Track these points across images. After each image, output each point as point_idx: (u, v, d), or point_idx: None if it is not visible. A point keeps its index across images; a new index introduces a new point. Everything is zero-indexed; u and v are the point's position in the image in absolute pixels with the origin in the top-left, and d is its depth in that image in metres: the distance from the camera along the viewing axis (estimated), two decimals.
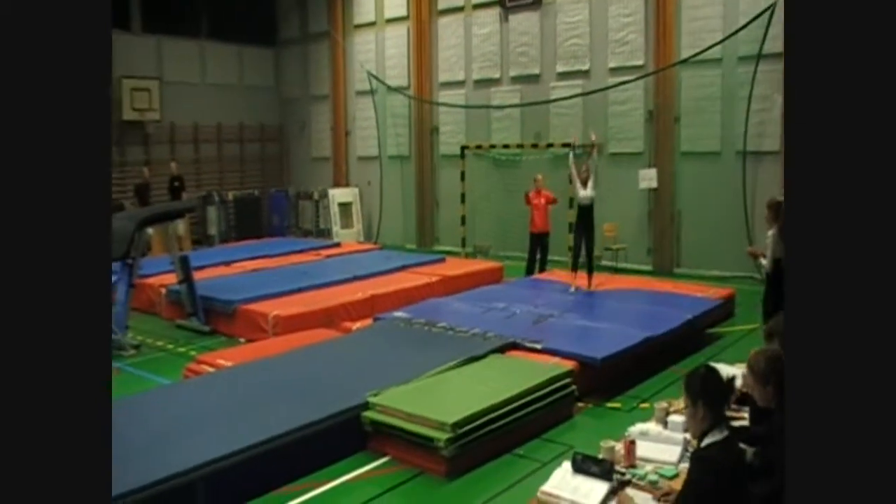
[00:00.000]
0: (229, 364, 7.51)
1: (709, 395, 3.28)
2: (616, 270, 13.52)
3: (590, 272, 11.05)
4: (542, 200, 12.43)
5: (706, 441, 3.26)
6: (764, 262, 8.08)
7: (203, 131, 19.53)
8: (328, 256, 14.29)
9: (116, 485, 4.37)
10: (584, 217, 11.08)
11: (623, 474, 3.93)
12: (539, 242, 12.59)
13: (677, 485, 3.66)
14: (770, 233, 7.99)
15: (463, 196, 15.95)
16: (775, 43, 12.55)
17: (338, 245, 16.08)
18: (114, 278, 9.26)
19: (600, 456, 4.04)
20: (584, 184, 10.93)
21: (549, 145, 15.10)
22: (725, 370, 4.01)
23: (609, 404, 7.15)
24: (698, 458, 3.26)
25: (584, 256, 11.06)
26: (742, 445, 3.59)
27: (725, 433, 3.27)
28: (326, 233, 18.65)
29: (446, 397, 6.24)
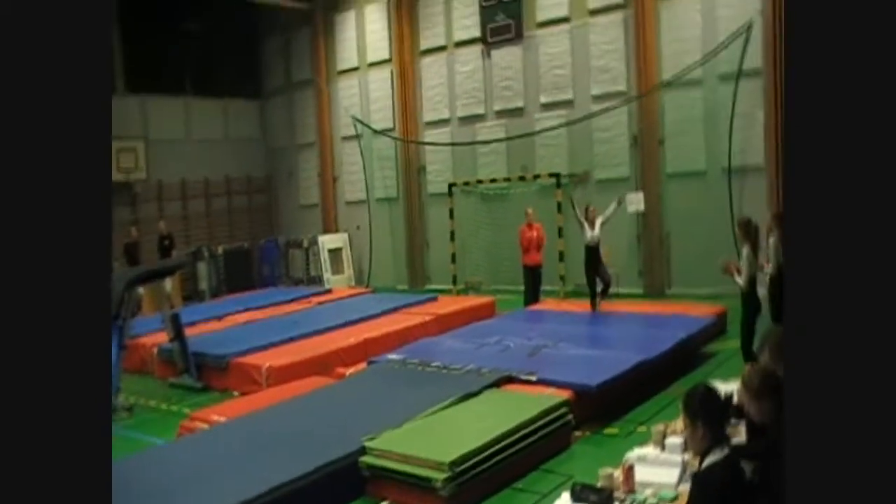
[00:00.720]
0: (223, 419, 7.36)
1: (708, 414, 3.24)
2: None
3: (602, 295, 11.24)
4: (535, 234, 12.60)
5: (707, 460, 3.20)
6: (739, 279, 7.97)
7: (190, 187, 19.54)
8: (319, 303, 14.19)
9: None
10: (591, 258, 11.18)
11: (622, 500, 3.83)
12: (532, 274, 12.66)
13: None
14: (744, 251, 7.93)
15: (452, 233, 15.96)
16: (754, 60, 12.67)
17: (329, 291, 15.99)
18: None
19: (599, 484, 3.95)
20: (592, 224, 11.01)
21: (536, 177, 15.17)
22: (723, 388, 3.92)
23: (606, 431, 7.04)
24: (699, 481, 3.21)
25: (600, 286, 11.28)
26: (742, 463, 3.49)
27: (726, 451, 3.21)
28: (318, 280, 18.55)
29: (442, 436, 6.12)
